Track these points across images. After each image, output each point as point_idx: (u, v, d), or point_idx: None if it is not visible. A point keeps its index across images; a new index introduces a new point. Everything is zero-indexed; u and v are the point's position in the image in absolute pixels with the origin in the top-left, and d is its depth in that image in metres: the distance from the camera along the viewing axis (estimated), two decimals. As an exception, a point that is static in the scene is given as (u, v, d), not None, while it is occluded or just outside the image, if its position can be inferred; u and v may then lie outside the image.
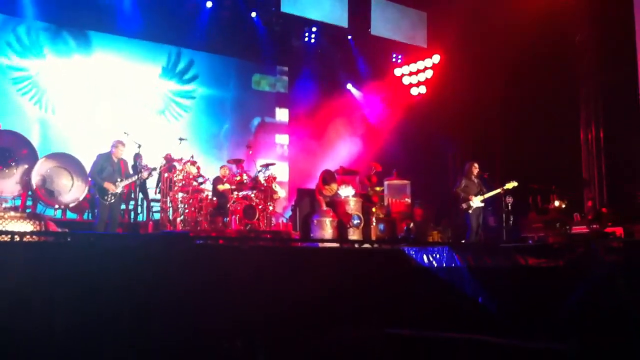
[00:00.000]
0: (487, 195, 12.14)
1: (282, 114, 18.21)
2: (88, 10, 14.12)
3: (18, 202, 11.06)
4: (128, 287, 5.77)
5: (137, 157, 11.99)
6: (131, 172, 10.97)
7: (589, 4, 14.97)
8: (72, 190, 11.34)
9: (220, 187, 12.22)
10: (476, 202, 12.08)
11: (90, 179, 10.60)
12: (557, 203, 14.00)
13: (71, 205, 11.62)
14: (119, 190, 10.35)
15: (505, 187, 12.14)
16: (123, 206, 12.02)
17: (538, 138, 15.22)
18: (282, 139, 18.05)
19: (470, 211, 12.09)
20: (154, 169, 11.42)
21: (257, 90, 17.81)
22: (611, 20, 14.22)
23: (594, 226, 12.80)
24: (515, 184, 12.14)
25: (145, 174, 11.16)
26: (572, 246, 6.49)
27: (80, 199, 11.45)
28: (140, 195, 12.84)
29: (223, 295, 6.22)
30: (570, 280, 6.28)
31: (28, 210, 10.73)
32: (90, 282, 5.62)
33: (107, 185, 10.17)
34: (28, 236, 6.76)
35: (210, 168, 13.41)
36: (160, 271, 6.01)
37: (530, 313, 6.39)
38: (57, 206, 11.57)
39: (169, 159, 12.09)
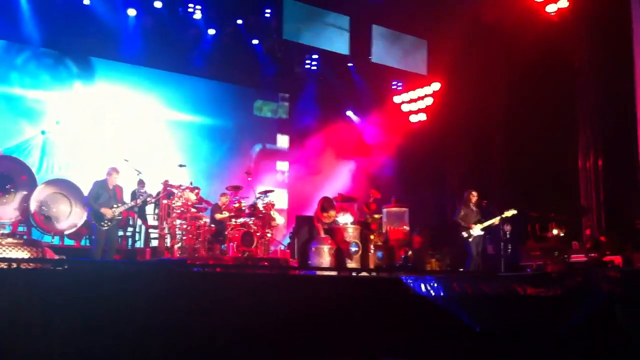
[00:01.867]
0: (486, 224, 12.13)
1: (283, 141, 18.27)
2: (90, 37, 14.26)
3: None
4: (125, 314, 5.76)
5: (140, 183, 12.02)
6: (129, 198, 10.99)
7: (587, 30, 15.07)
8: (70, 217, 11.37)
9: (219, 215, 12.22)
10: (476, 230, 12.06)
11: (87, 205, 10.62)
12: (555, 231, 13.97)
13: (69, 231, 11.62)
14: (116, 216, 10.35)
15: (503, 215, 12.13)
16: (121, 233, 12.04)
17: (536, 166, 15.24)
18: (283, 165, 18.08)
19: (470, 239, 12.07)
20: (149, 195, 11.44)
21: (258, 116, 17.90)
22: (609, 46, 14.31)
23: (593, 255, 12.76)
24: (514, 211, 12.13)
25: (139, 201, 11.18)
26: (570, 275, 6.47)
27: (79, 225, 11.46)
28: (139, 222, 12.87)
29: (220, 323, 6.20)
30: (568, 309, 6.26)
31: (24, 237, 10.72)
32: (87, 309, 5.61)
33: (104, 210, 10.18)
34: (25, 263, 6.75)
35: (210, 195, 13.44)
36: (157, 298, 6.00)
37: (527, 342, 6.37)
38: (53, 232, 11.56)
39: (167, 186, 12.11)
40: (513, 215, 12.16)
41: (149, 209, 13.13)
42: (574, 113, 15.65)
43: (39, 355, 5.39)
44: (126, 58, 15.11)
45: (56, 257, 8.86)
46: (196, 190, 12.33)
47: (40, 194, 11.22)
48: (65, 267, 6.75)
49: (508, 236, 12.38)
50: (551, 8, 14.49)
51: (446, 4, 16.07)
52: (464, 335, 6.73)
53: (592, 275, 6.14)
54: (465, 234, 12.11)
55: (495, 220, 12.15)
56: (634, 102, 12.95)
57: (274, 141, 18.16)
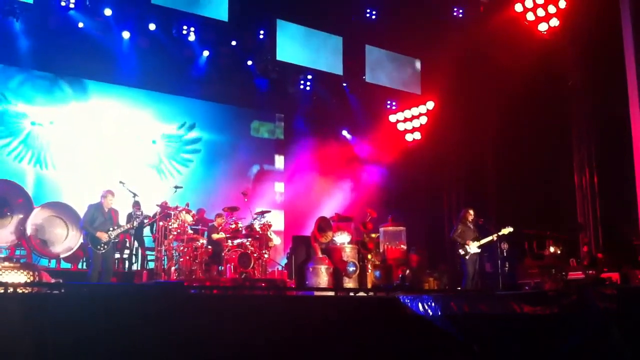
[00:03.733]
0: (483, 242, 12.14)
1: (281, 162, 18.27)
2: (85, 59, 14.29)
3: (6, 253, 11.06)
4: (122, 337, 5.74)
5: (135, 205, 12.02)
6: (124, 221, 10.96)
7: (579, 48, 15.20)
8: (66, 240, 11.35)
9: (215, 236, 12.21)
10: (473, 247, 12.07)
11: (82, 229, 10.60)
12: (552, 249, 13.98)
13: (65, 255, 11.59)
14: (111, 239, 10.32)
15: (500, 233, 12.14)
16: (117, 255, 12.00)
17: (532, 183, 15.29)
18: (281, 187, 18.07)
19: (467, 257, 12.08)
20: (146, 217, 11.42)
21: (256, 137, 17.90)
22: (603, 64, 14.42)
23: (590, 272, 12.77)
24: (510, 229, 12.14)
25: (135, 223, 11.17)
26: (567, 293, 6.47)
27: (75, 248, 11.44)
28: (136, 244, 12.84)
29: (218, 345, 6.18)
30: (565, 328, 6.25)
31: (22, 260, 10.70)
32: (84, 332, 5.59)
33: (100, 234, 10.15)
34: (22, 287, 6.74)
35: (207, 216, 13.45)
36: (154, 321, 5.98)
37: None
38: (49, 256, 11.53)
39: (163, 208, 12.10)
40: (510, 233, 12.18)
41: (146, 231, 13.11)
42: (569, 130, 15.73)
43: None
44: (121, 80, 15.17)
45: (52, 280, 8.84)
46: (192, 212, 12.35)
47: (36, 217, 11.21)
48: (62, 290, 6.74)
49: (505, 254, 12.37)
50: (543, 27, 14.65)
51: (439, 24, 16.22)
52: (462, 355, 6.72)
53: (588, 293, 6.13)
54: (462, 252, 12.12)
55: (492, 238, 12.16)
56: (627, 118, 13.01)
57: (272, 162, 18.14)
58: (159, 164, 15.85)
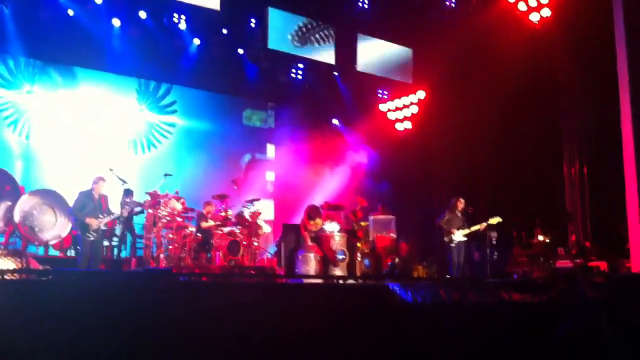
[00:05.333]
0: (468, 230, 12.18)
1: (272, 151, 18.21)
2: (75, 47, 14.18)
3: (2, 239, 11.01)
4: (110, 324, 5.71)
5: (127, 193, 11.98)
6: (113, 208, 10.92)
7: (571, 39, 15.22)
8: (55, 227, 11.28)
9: (204, 224, 12.19)
10: (458, 236, 12.12)
11: (72, 216, 10.55)
12: (541, 237, 14.06)
13: (54, 242, 11.54)
14: (101, 226, 10.29)
15: (489, 223, 12.18)
16: (106, 243, 11.96)
17: (522, 173, 15.35)
18: (272, 176, 18.02)
19: (452, 245, 12.13)
20: (137, 204, 11.38)
21: (248, 125, 17.82)
22: (593, 57, 14.44)
23: (578, 261, 12.85)
24: (499, 219, 12.17)
25: (125, 212, 11.12)
26: (556, 281, 6.50)
27: (63, 235, 11.39)
28: (126, 231, 12.79)
29: (207, 332, 6.17)
30: (554, 316, 6.28)
31: (9, 247, 10.65)
32: (72, 320, 5.56)
33: (90, 221, 10.11)
34: (9, 274, 6.69)
35: (197, 204, 13.40)
36: (142, 308, 5.96)
37: (515, 349, 6.38)
38: (37, 243, 11.49)
39: (153, 195, 12.06)
40: (498, 222, 12.23)
41: (139, 219, 13.04)
42: (559, 121, 15.79)
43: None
44: (111, 68, 15.09)
45: (40, 267, 8.80)
46: (182, 199, 12.31)
47: (24, 204, 11.14)
48: (50, 277, 6.70)
49: (494, 243, 12.43)
50: (534, 17, 14.63)
51: (430, 13, 16.20)
52: (451, 343, 6.74)
53: (577, 281, 6.16)
54: (446, 239, 12.18)
55: (480, 227, 12.19)
56: (617, 110, 13.05)
57: (264, 151, 18.08)
58: (148, 149, 15.77)
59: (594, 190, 14.93)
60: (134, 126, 15.67)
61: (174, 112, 16.36)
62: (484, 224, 12.16)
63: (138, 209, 12.31)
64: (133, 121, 15.67)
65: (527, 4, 14.62)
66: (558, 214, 15.19)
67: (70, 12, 13.75)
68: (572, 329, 6.01)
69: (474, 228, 12.19)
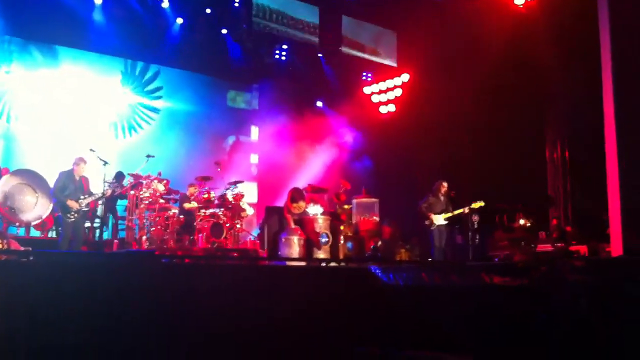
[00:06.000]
0: (450, 215, 12.24)
1: (257, 133, 18.12)
2: (56, 25, 13.95)
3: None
4: (91, 306, 5.69)
5: (120, 176, 11.92)
6: (95, 189, 10.84)
7: (556, 24, 15.23)
8: (36, 208, 11.19)
9: (187, 205, 12.12)
10: (439, 220, 12.18)
11: (53, 197, 10.47)
12: (522, 221, 14.16)
13: (35, 222, 11.46)
14: (82, 207, 10.22)
15: (471, 207, 12.24)
16: (88, 224, 11.89)
17: (505, 157, 15.40)
18: (256, 158, 17.95)
19: (432, 228, 12.21)
20: (117, 186, 11.31)
21: (232, 107, 17.71)
22: (577, 41, 14.46)
23: (559, 244, 12.96)
24: (481, 203, 12.22)
25: (108, 192, 11.04)
26: (536, 265, 6.54)
27: (44, 216, 11.30)
28: (108, 213, 12.71)
29: (189, 316, 6.16)
30: (534, 298, 6.33)
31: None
32: (53, 301, 5.53)
33: (70, 202, 10.05)
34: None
35: (179, 185, 13.32)
36: (124, 290, 5.94)
37: (496, 331, 6.43)
38: (18, 224, 11.40)
39: (136, 176, 11.98)
40: (481, 206, 12.29)
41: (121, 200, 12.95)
42: (541, 105, 15.85)
43: (2, 349, 5.30)
44: (92, 47, 14.88)
45: (22, 248, 8.73)
46: (165, 181, 12.24)
47: (4, 185, 11.02)
48: (31, 258, 6.65)
49: (476, 226, 12.50)
50: (519, 1, 14.64)
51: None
52: (432, 325, 6.79)
53: (557, 264, 6.20)
54: (427, 222, 12.25)
55: (462, 211, 12.26)
56: (599, 94, 13.11)
57: (248, 133, 17.98)
58: (131, 130, 15.63)
59: (576, 175, 15.03)
60: (116, 108, 15.50)
61: (159, 97, 16.21)
62: (467, 208, 12.21)
63: (119, 190, 12.20)
64: (115, 103, 15.50)
65: (512, -12, 14.62)
66: (540, 198, 15.29)
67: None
68: (551, 312, 6.05)
69: (457, 212, 12.26)
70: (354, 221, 14.47)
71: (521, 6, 14.76)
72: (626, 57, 8.72)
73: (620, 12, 9.29)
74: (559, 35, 15.23)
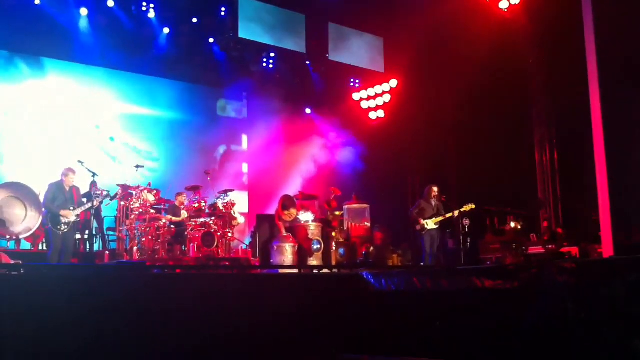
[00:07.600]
0: (441, 218, 12.27)
1: (247, 141, 18.08)
2: (42, 36, 13.94)
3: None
4: (83, 319, 5.66)
5: (92, 185, 11.82)
6: (84, 200, 10.81)
7: (541, 27, 15.32)
8: (25, 220, 11.11)
9: (177, 216, 12.08)
10: (429, 224, 12.22)
11: (43, 208, 10.42)
12: (513, 224, 14.19)
13: (24, 235, 11.39)
14: (73, 218, 10.18)
15: (462, 210, 12.29)
16: (78, 235, 11.83)
17: (494, 160, 15.45)
18: (247, 167, 17.90)
19: (423, 233, 12.24)
20: (107, 195, 11.26)
21: (222, 116, 17.66)
22: (563, 43, 14.54)
23: (550, 246, 13.00)
24: (472, 206, 12.29)
25: (97, 202, 10.98)
26: (527, 267, 6.55)
27: (34, 229, 11.23)
28: (96, 224, 12.65)
29: (180, 325, 6.14)
30: (524, 301, 6.34)
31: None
32: (43, 314, 5.50)
33: (64, 212, 10.02)
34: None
35: (172, 197, 13.29)
36: (115, 302, 5.91)
37: (487, 334, 6.44)
38: (8, 237, 11.33)
39: (125, 187, 11.94)
40: (471, 209, 12.33)
41: (108, 210, 12.87)
42: (529, 108, 15.92)
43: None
44: (79, 58, 14.83)
45: (12, 261, 8.67)
46: (155, 191, 12.21)
47: (-7, 198, 10.96)
48: (21, 271, 6.62)
49: (467, 230, 12.53)
50: (503, 4, 14.74)
51: (400, 1, 16.18)
52: (424, 330, 6.79)
53: (547, 266, 6.22)
54: (418, 227, 12.28)
55: (453, 214, 12.30)
56: (587, 96, 13.19)
57: (239, 142, 17.94)
58: (118, 142, 15.54)
59: (565, 176, 15.09)
60: (103, 118, 15.42)
61: (148, 107, 16.15)
62: (457, 211, 12.26)
63: (108, 200, 12.12)
64: (103, 113, 15.41)
65: (497, -8, 14.71)
66: (530, 200, 15.34)
67: (37, 1, 13.52)
68: (540, 314, 6.07)
69: (448, 215, 12.30)
70: (345, 227, 14.46)
71: (505, 10, 14.84)
72: (611, 58, 8.78)
73: (605, 15, 9.36)
74: (544, 39, 15.33)
